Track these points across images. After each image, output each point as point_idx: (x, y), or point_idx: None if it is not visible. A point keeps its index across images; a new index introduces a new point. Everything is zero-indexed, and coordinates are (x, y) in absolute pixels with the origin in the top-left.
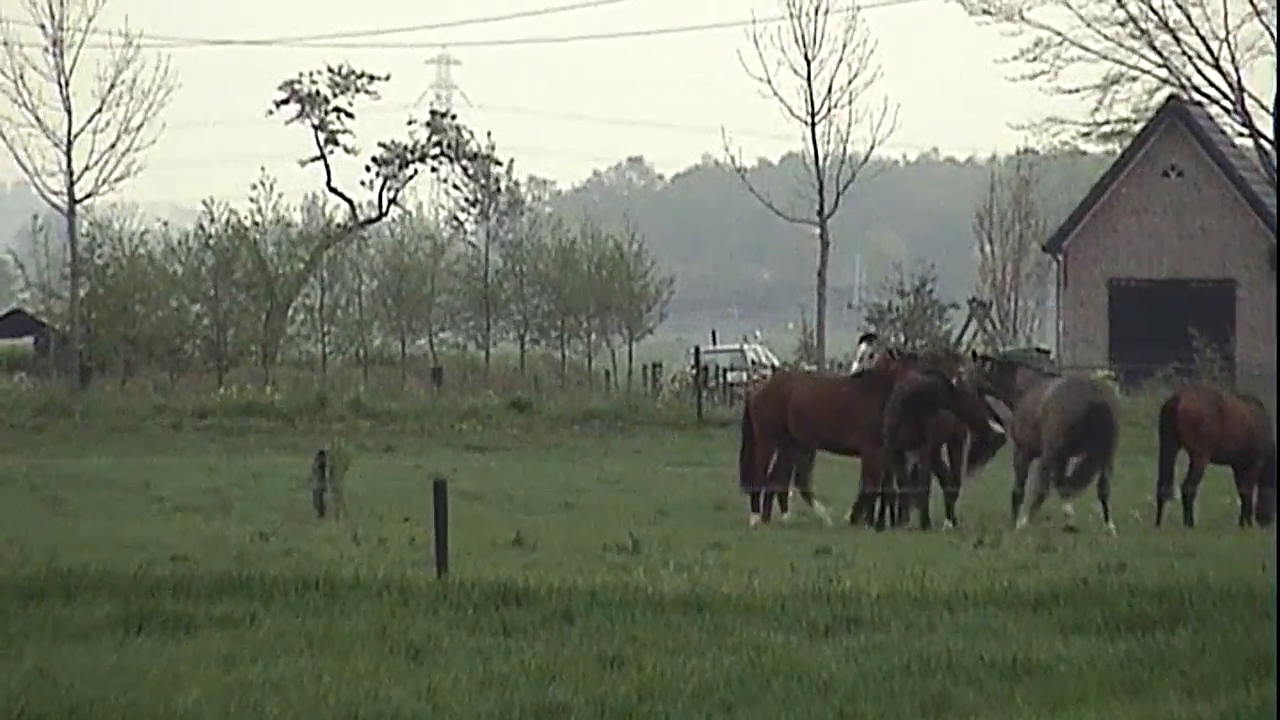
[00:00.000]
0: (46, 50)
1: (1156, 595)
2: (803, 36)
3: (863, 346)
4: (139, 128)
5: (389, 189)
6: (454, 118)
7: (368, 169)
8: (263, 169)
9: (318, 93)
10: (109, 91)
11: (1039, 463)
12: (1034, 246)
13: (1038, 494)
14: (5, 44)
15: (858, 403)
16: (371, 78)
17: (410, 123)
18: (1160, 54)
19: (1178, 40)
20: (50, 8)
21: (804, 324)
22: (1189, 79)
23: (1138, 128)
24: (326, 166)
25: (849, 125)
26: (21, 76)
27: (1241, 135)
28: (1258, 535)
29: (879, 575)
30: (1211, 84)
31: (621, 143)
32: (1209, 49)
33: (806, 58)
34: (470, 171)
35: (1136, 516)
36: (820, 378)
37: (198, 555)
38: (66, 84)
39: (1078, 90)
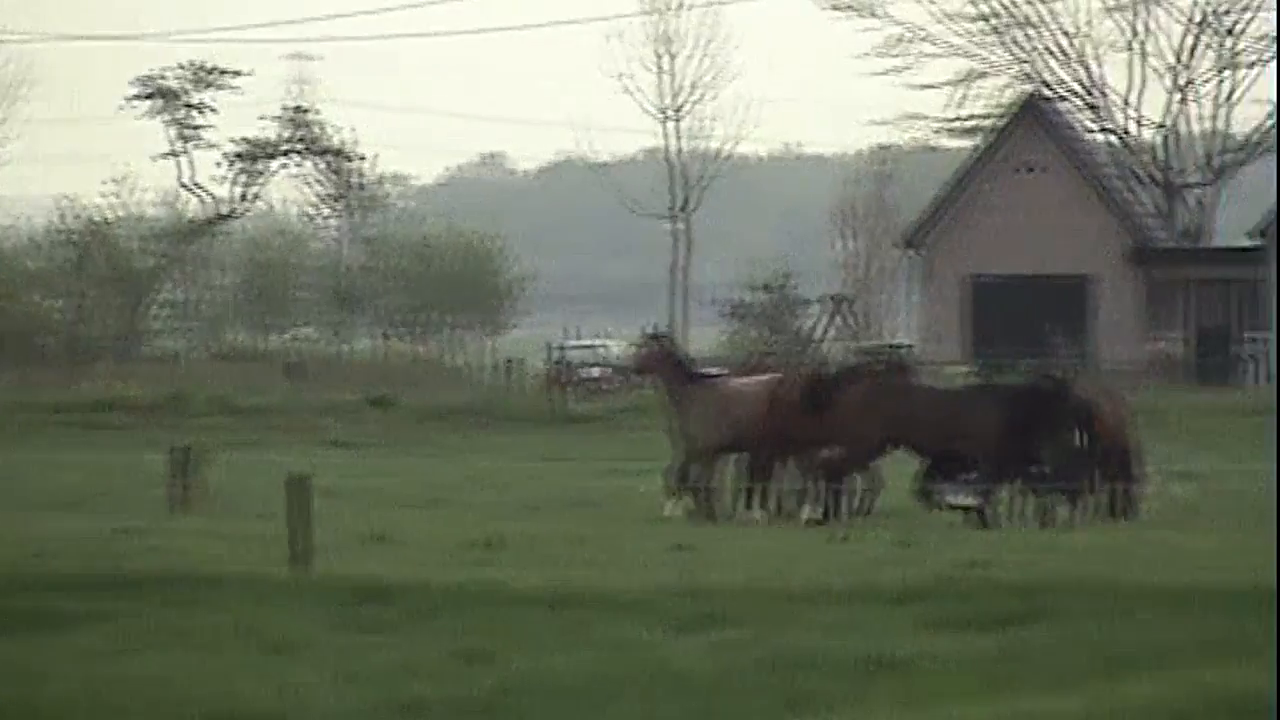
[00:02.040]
0: None
1: (1017, 591)
2: (662, 33)
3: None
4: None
5: (248, 184)
6: (314, 113)
7: (226, 164)
8: (123, 164)
9: (175, 88)
10: None
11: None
12: (890, 242)
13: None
14: None
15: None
16: (230, 73)
17: (269, 118)
18: (1017, 50)
19: (1034, 36)
20: None
21: (663, 319)
22: (1044, 75)
23: (994, 124)
24: (186, 162)
25: (707, 121)
26: None
27: (1097, 131)
28: (1123, 530)
29: (740, 571)
30: (1067, 80)
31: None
32: (1065, 45)
33: (666, 54)
34: (329, 167)
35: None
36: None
37: (56, 551)
38: None
39: (935, 86)
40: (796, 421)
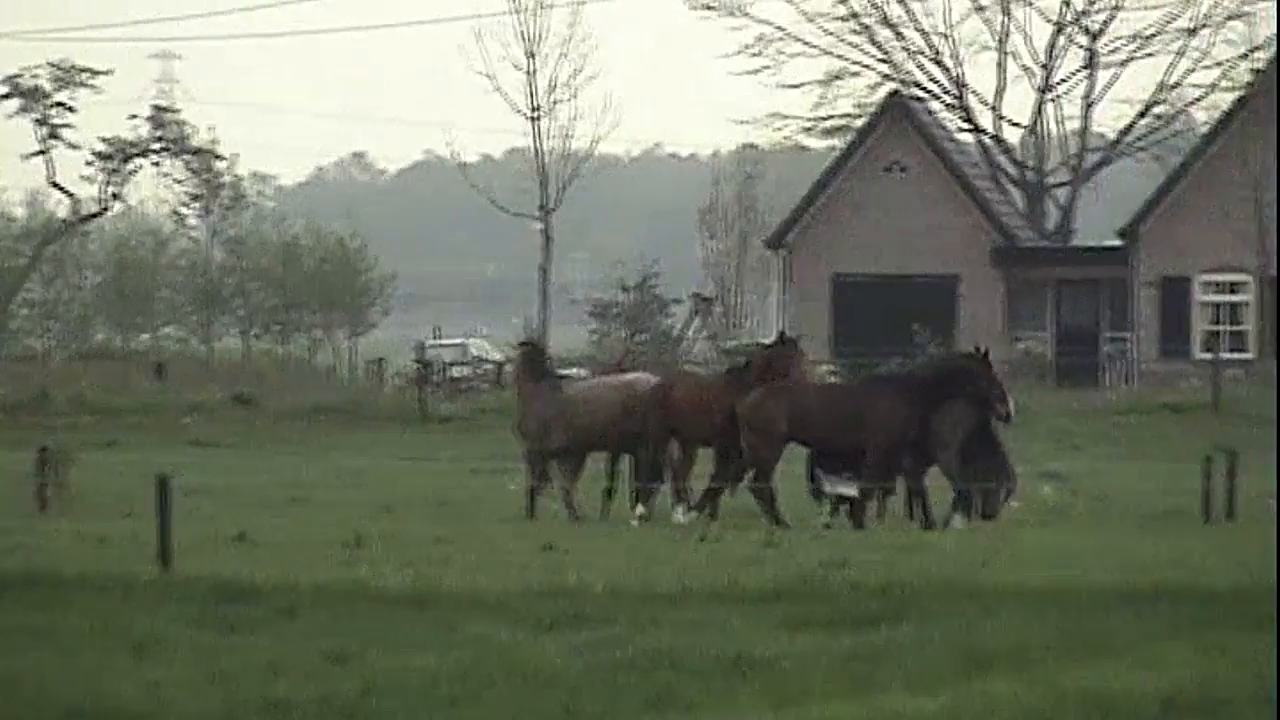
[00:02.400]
0: None
1: (879, 590)
2: (526, 32)
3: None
4: None
5: (111, 184)
6: (177, 112)
7: (90, 164)
8: None
9: (39, 87)
10: None
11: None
12: (757, 241)
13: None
14: None
15: (730, 399)
16: (94, 72)
17: (133, 117)
18: (882, 50)
19: (900, 36)
20: None
21: (528, 319)
22: (911, 74)
23: (860, 123)
24: (49, 161)
25: (572, 121)
26: None
27: (963, 130)
28: (987, 530)
29: (604, 571)
30: (933, 79)
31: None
32: (930, 45)
33: (530, 53)
34: (193, 166)
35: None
36: (700, 376)
37: None
38: None
39: (800, 85)
40: (690, 420)
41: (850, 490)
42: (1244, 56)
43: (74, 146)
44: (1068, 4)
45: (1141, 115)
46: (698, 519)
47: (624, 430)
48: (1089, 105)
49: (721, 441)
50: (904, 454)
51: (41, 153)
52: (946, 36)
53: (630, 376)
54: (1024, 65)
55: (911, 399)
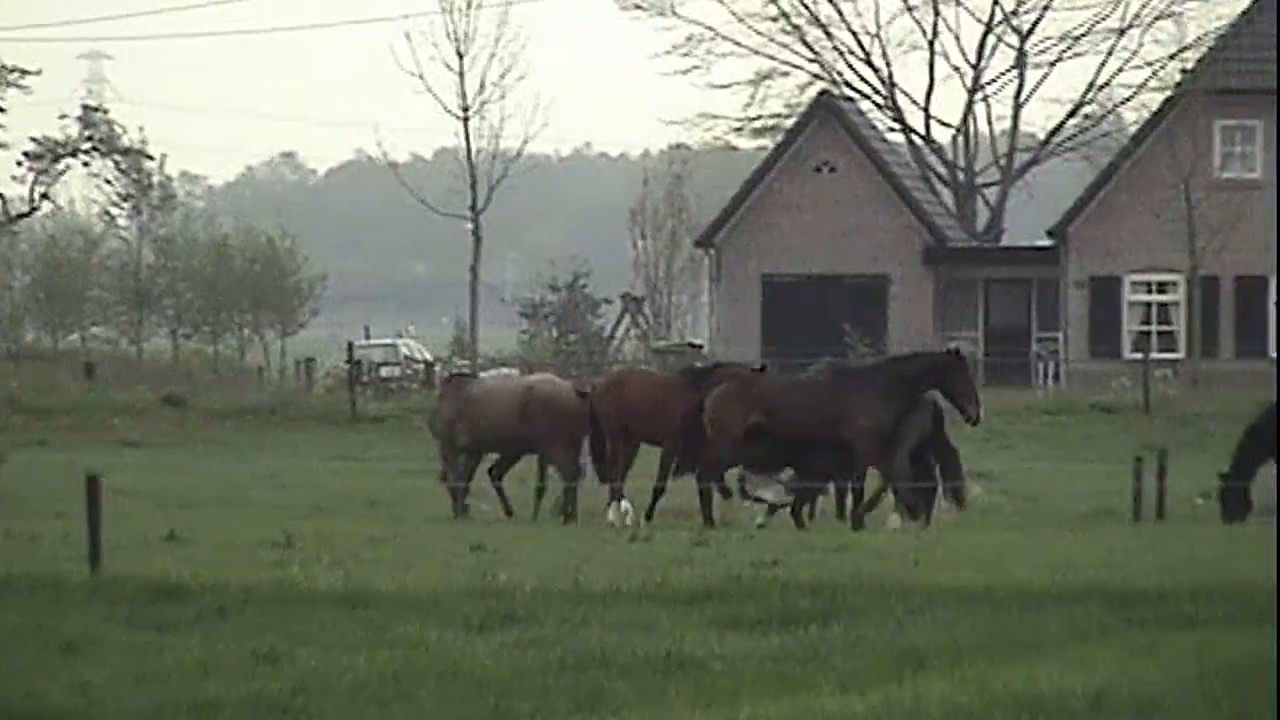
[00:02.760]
0: None
1: (809, 590)
2: (455, 32)
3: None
4: None
5: (40, 184)
6: (106, 112)
7: (19, 163)
8: None
9: None
10: None
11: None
12: (687, 241)
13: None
14: None
15: (684, 398)
16: (22, 72)
17: (62, 117)
18: (812, 49)
19: (829, 36)
20: None
21: (458, 319)
22: (841, 74)
23: (790, 123)
24: None
25: (501, 121)
26: None
27: (893, 130)
28: (918, 530)
29: (534, 571)
30: (863, 79)
31: (274, 138)
32: (860, 45)
33: (460, 53)
34: (122, 166)
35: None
36: (652, 374)
37: None
38: None
39: (730, 85)
40: (643, 417)
41: (771, 496)
42: (1173, 56)
43: (3, 146)
44: (997, 4)
45: (1071, 115)
46: (635, 520)
47: (520, 431)
48: (1019, 105)
49: (680, 442)
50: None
51: None
52: (876, 36)
53: (533, 378)
54: (954, 65)
55: (890, 393)
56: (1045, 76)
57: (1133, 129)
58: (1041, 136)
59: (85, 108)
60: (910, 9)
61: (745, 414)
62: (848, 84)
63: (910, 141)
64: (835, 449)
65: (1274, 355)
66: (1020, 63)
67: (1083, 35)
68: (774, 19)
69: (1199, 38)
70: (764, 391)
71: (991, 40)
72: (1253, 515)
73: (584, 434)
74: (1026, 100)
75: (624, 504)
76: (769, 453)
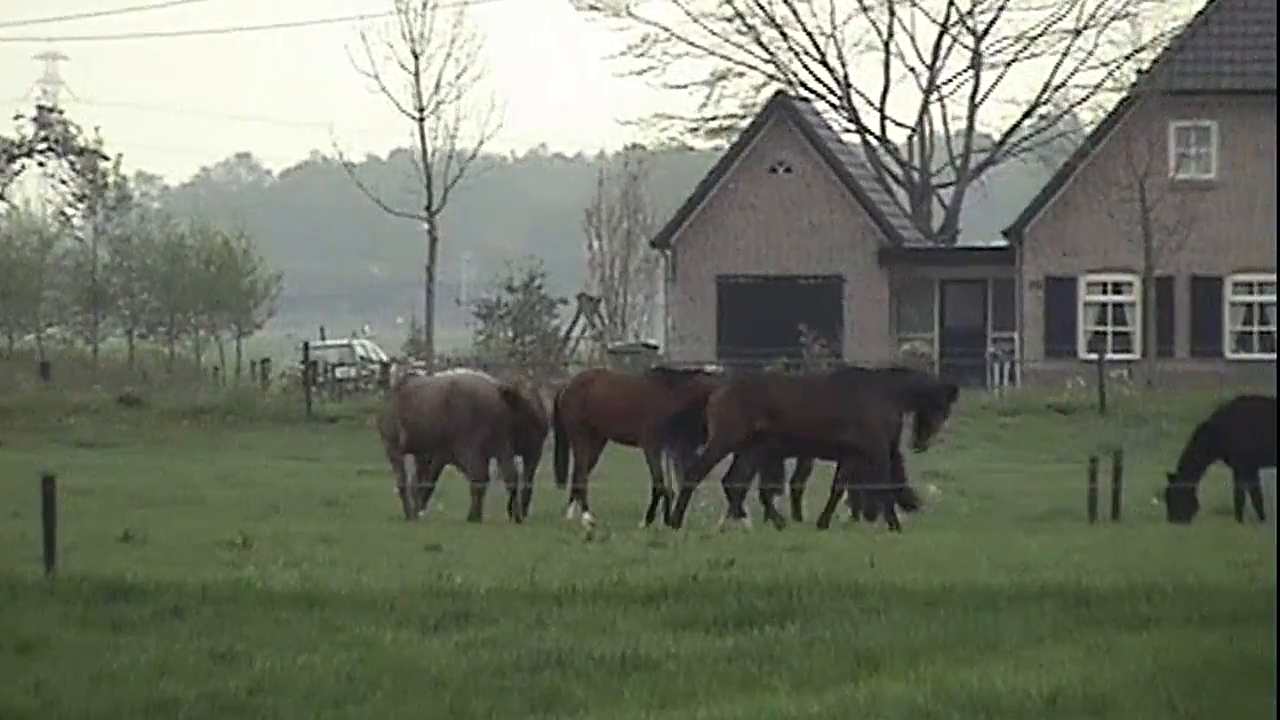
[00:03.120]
0: None
1: (765, 591)
2: (411, 32)
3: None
4: None
5: None
6: (61, 113)
7: None
8: None
9: None
10: None
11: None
12: (643, 242)
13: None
14: None
15: (653, 398)
16: None
17: (17, 117)
18: (767, 50)
19: (785, 36)
20: None
21: (413, 319)
22: (796, 75)
23: (746, 124)
24: None
25: (457, 121)
26: None
27: (848, 131)
28: (866, 531)
29: (489, 571)
30: (818, 79)
31: (230, 139)
32: (816, 45)
33: (415, 53)
34: (78, 167)
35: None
36: (619, 375)
37: None
38: None
39: (686, 86)
40: (607, 417)
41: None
42: (1129, 57)
43: None
44: (953, 4)
45: (1026, 115)
46: (593, 522)
47: (445, 427)
48: (974, 105)
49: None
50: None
51: None
52: (832, 37)
53: (457, 373)
54: (909, 65)
55: (898, 400)
56: (1001, 77)
57: (1088, 130)
58: (997, 137)
59: (40, 108)
60: (866, 9)
61: (752, 416)
62: (803, 84)
63: (866, 142)
64: (840, 451)
65: (1228, 356)
66: (976, 63)
67: (1038, 36)
68: (729, 19)
69: (1155, 39)
70: (771, 393)
71: (947, 41)
72: (1198, 515)
73: (504, 431)
74: (982, 101)
75: (586, 515)
76: (771, 453)
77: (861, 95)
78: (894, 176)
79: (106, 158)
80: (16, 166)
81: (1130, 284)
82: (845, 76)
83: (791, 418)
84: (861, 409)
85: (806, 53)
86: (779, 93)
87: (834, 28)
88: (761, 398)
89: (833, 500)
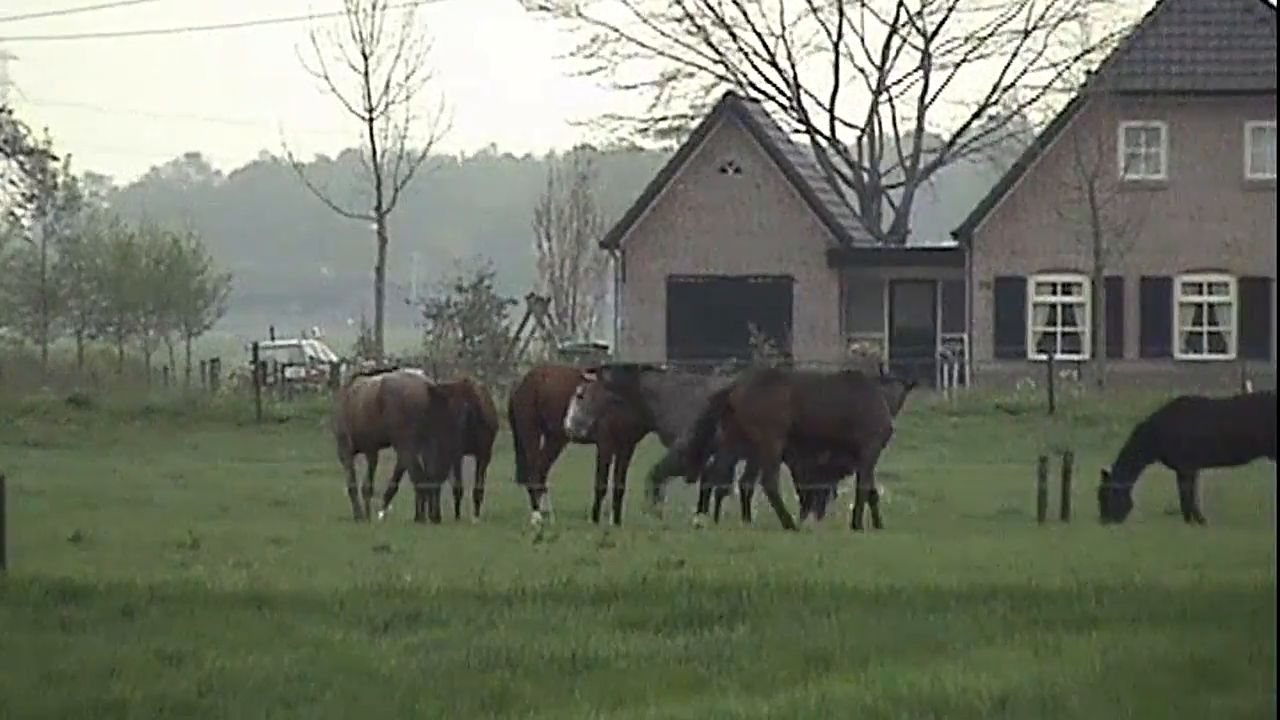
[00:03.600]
0: None
1: (715, 591)
2: (360, 32)
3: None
4: None
5: None
6: (11, 113)
7: None
8: None
9: None
10: None
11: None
12: (592, 242)
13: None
14: None
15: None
16: None
17: None
18: (717, 50)
19: (734, 37)
20: None
21: (363, 320)
22: (746, 75)
23: (695, 124)
24: None
25: (406, 121)
26: None
27: (798, 131)
28: (816, 531)
29: (439, 571)
30: (768, 80)
31: (179, 139)
32: (765, 46)
33: (365, 54)
34: (27, 167)
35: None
36: (571, 370)
37: None
38: None
39: (635, 86)
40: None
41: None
42: (1078, 58)
43: None
44: (902, 5)
45: (976, 116)
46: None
47: (379, 427)
48: (924, 106)
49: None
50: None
51: None
52: (781, 38)
53: (390, 373)
54: (859, 66)
55: (892, 408)
56: (950, 78)
57: (1038, 130)
58: (946, 138)
59: None
60: (815, 10)
61: (786, 411)
62: (753, 85)
63: (815, 143)
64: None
65: (1177, 356)
66: (925, 64)
67: (988, 36)
68: (679, 20)
69: (1104, 39)
70: (795, 389)
71: (896, 41)
72: (1132, 515)
73: (432, 430)
74: (931, 101)
75: (536, 514)
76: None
77: (811, 96)
78: (843, 177)
79: (56, 158)
80: None
81: (1080, 284)
82: (795, 77)
83: (813, 415)
84: (870, 410)
85: (756, 53)
86: (728, 93)
87: (783, 28)
88: (788, 392)
89: (860, 499)
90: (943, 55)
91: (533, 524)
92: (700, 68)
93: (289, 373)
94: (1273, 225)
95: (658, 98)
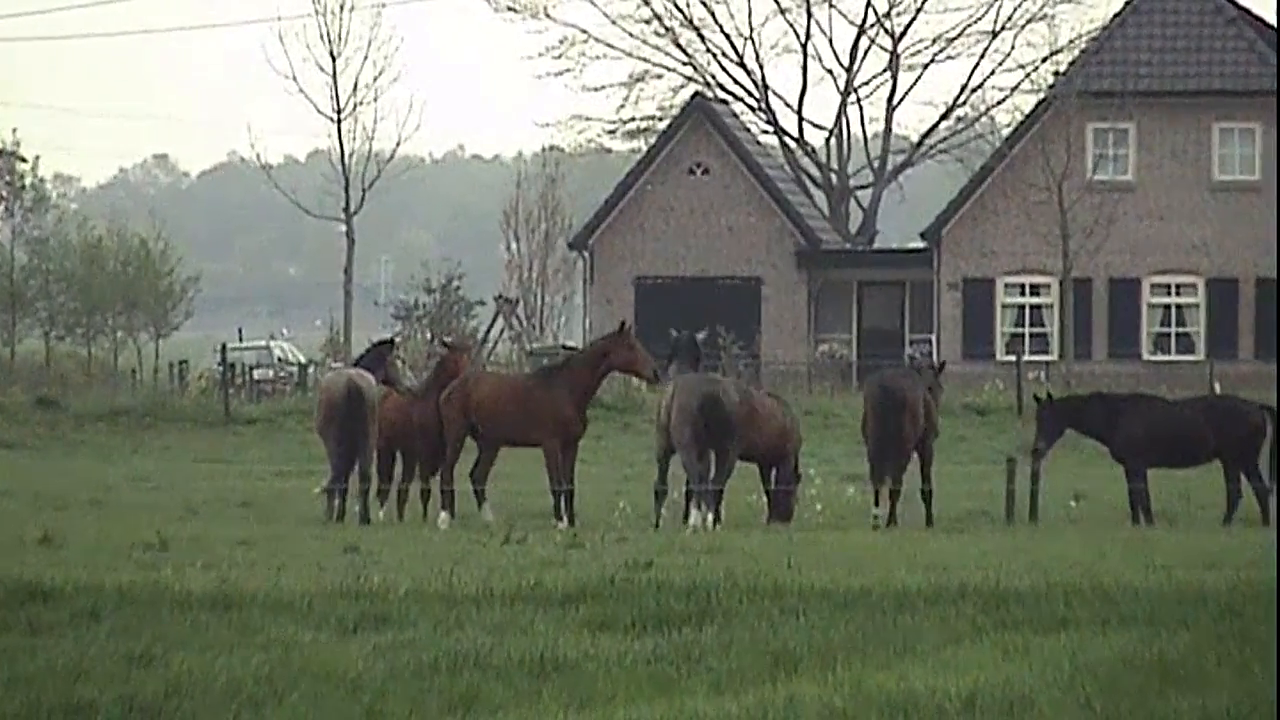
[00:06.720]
0: None
1: (683, 592)
2: (328, 33)
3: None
4: None
5: None
6: None
7: None
8: None
9: None
10: None
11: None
12: (561, 243)
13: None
14: None
15: (541, 397)
16: None
17: None
18: (685, 52)
19: (702, 38)
20: None
21: (332, 321)
22: (714, 77)
23: (663, 125)
24: None
25: (375, 122)
26: None
27: (766, 133)
28: (783, 533)
29: (407, 572)
30: (736, 81)
31: (147, 140)
32: (733, 47)
33: (333, 55)
34: None
35: (665, 515)
36: (504, 375)
37: None
38: None
39: (604, 88)
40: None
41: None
42: (1046, 59)
43: None
44: (870, 6)
45: (944, 117)
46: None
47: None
48: (892, 107)
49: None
50: None
51: None
52: (749, 39)
53: (344, 372)
54: (827, 68)
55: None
56: (918, 79)
57: (1006, 131)
58: (915, 139)
59: None
60: (783, 11)
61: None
62: (721, 86)
63: (783, 144)
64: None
65: (1145, 357)
66: (893, 65)
67: (956, 38)
68: (647, 21)
69: (1072, 41)
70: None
71: (864, 43)
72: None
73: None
74: (900, 103)
75: (443, 515)
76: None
77: (779, 97)
78: (812, 178)
79: (24, 159)
80: None
81: (1048, 286)
82: (763, 78)
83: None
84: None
85: (724, 55)
86: (697, 95)
87: (751, 30)
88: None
89: (894, 497)
90: (911, 56)
91: (439, 522)
92: (668, 69)
93: (257, 374)
94: (1240, 226)
95: (626, 99)
